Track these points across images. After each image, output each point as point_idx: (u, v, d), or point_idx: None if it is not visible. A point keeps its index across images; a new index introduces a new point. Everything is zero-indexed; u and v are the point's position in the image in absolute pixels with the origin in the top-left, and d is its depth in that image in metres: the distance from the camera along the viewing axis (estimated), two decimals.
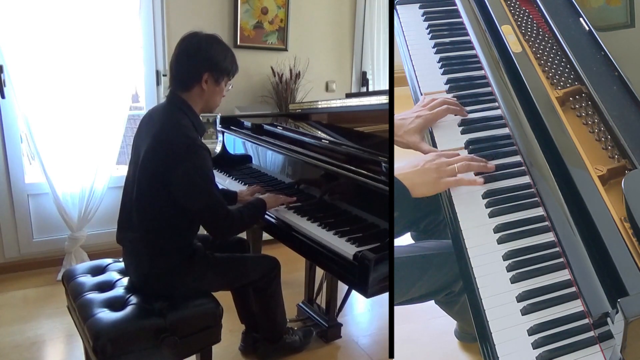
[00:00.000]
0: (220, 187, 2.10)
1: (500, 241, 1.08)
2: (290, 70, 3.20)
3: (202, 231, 1.69)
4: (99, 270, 1.74)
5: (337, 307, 2.19)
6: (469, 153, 1.23)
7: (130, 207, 1.59)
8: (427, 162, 1.17)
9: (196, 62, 1.55)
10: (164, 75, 2.89)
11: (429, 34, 1.47)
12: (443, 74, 1.39)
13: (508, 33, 1.29)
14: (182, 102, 1.57)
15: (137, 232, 1.57)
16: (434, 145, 1.28)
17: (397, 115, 1.30)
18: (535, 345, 0.95)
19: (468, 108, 1.31)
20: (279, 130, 2.15)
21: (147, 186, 1.53)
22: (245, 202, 1.79)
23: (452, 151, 1.22)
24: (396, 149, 1.29)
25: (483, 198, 1.15)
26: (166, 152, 1.48)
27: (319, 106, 2.56)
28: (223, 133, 2.41)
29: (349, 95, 2.98)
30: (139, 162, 1.56)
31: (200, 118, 1.63)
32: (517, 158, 1.19)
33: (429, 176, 1.15)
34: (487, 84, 1.33)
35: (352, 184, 1.62)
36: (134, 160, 1.60)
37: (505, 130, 1.25)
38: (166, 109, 1.58)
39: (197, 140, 1.52)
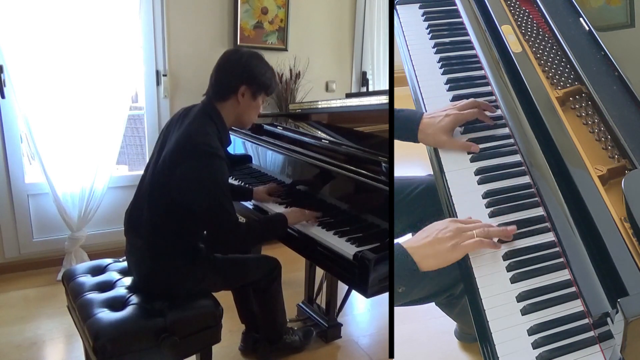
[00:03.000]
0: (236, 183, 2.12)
1: (501, 241, 1.08)
2: (290, 70, 3.20)
3: None
4: (99, 270, 1.74)
5: (337, 307, 2.19)
6: (468, 153, 1.23)
7: (143, 202, 1.59)
8: (440, 230, 1.05)
9: (235, 73, 1.56)
10: (163, 75, 2.90)
11: (429, 34, 1.47)
12: (443, 74, 1.39)
13: (508, 33, 1.29)
14: (215, 111, 1.58)
15: (145, 229, 1.57)
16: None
17: (426, 114, 1.27)
18: (535, 345, 0.95)
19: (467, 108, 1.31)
20: (279, 130, 2.15)
21: (162, 184, 1.53)
22: (266, 216, 1.76)
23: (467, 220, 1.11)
24: (396, 149, 1.29)
25: (483, 198, 1.15)
26: (185, 155, 1.48)
27: (319, 106, 2.56)
28: None
29: (349, 95, 2.98)
30: (159, 159, 1.56)
31: (229, 131, 1.63)
32: (517, 158, 1.19)
33: (442, 247, 1.03)
34: (487, 84, 1.33)
35: (352, 184, 1.62)
36: (155, 155, 1.61)
37: (505, 130, 1.25)
38: (197, 113, 1.58)
39: (218, 150, 1.51)
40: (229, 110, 1.59)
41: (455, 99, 1.33)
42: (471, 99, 1.28)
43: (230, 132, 2.31)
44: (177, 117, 1.66)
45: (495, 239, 1.06)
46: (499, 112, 1.28)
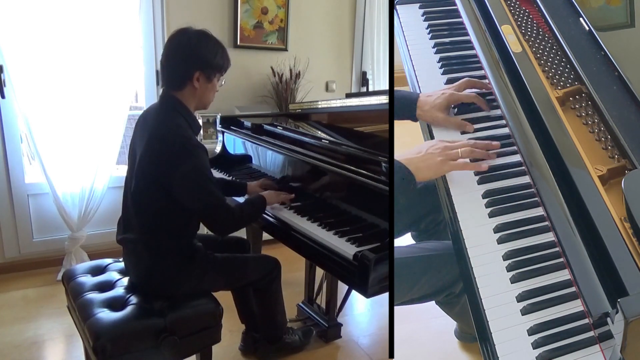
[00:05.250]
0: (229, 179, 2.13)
1: (500, 241, 1.08)
2: (290, 70, 3.20)
3: (201, 231, 1.70)
4: (99, 270, 1.74)
5: (337, 307, 2.19)
6: (462, 133, 1.24)
7: (129, 208, 1.59)
8: (431, 147, 1.18)
9: (186, 61, 1.54)
10: None
11: (429, 34, 1.48)
12: (443, 74, 1.39)
13: (508, 33, 1.29)
14: (176, 101, 1.56)
15: (136, 233, 1.58)
16: None
17: (423, 93, 1.33)
18: (535, 345, 0.95)
19: (467, 108, 1.31)
20: (279, 130, 2.15)
21: (144, 187, 1.54)
22: (248, 198, 1.79)
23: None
24: (396, 149, 1.29)
25: (483, 198, 1.15)
26: (162, 152, 1.48)
27: (319, 106, 2.56)
28: (223, 133, 2.41)
29: (349, 95, 2.98)
30: (135, 163, 1.56)
31: (196, 116, 1.63)
32: (517, 158, 1.19)
33: (432, 160, 1.16)
34: (487, 84, 1.33)
35: (352, 184, 1.62)
36: (131, 161, 1.61)
37: (505, 130, 1.25)
38: (160, 109, 1.58)
39: (192, 139, 1.52)
40: (188, 97, 1.58)
41: None
42: (466, 78, 1.33)
43: (228, 131, 2.35)
44: (142, 117, 1.64)
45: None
46: (499, 112, 1.28)
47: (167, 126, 1.51)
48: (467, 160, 1.17)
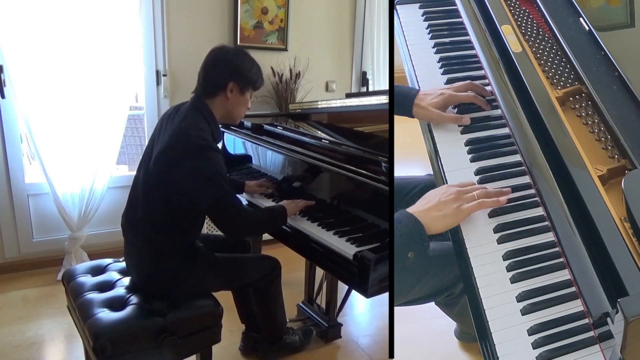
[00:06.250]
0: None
1: (500, 241, 1.08)
2: (290, 70, 3.20)
3: (202, 231, 1.70)
4: (99, 270, 1.74)
5: (337, 307, 2.19)
6: (468, 153, 1.23)
7: (138, 203, 1.60)
8: (442, 194, 1.08)
9: (222, 71, 1.60)
10: (163, 75, 2.89)
11: (429, 34, 1.47)
12: (443, 74, 1.39)
13: (508, 33, 1.29)
14: (205, 106, 1.60)
15: (142, 229, 1.58)
16: (434, 143, 1.28)
17: (422, 91, 1.31)
18: (535, 345, 0.95)
19: (468, 109, 1.31)
20: (279, 130, 2.15)
21: (156, 182, 1.55)
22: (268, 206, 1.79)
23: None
24: (396, 149, 1.29)
25: None
26: (182, 152, 1.49)
27: (319, 106, 2.56)
28: (223, 133, 2.41)
29: (349, 95, 2.98)
30: (151, 157, 1.57)
31: (220, 126, 1.65)
32: (517, 158, 1.19)
33: (447, 208, 1.06)
34: (487, 84, 1.33)
35: (352, 184, 1.62)
36: (147, 155, 1.62)
37: (505, 130, 1.25)
38: (187, 110, 1.60)
39: (211, 142, 1.54)
40: (219, 106, 1.62)
41: None
42: (467, 81, 1.31)
43: (228, 131, 2.34)
44: (167, 115, 1.67)
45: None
46: (499, 112, 1.28)
47: (189, 127, 1.53)
48: (482, 199, 1.08)
